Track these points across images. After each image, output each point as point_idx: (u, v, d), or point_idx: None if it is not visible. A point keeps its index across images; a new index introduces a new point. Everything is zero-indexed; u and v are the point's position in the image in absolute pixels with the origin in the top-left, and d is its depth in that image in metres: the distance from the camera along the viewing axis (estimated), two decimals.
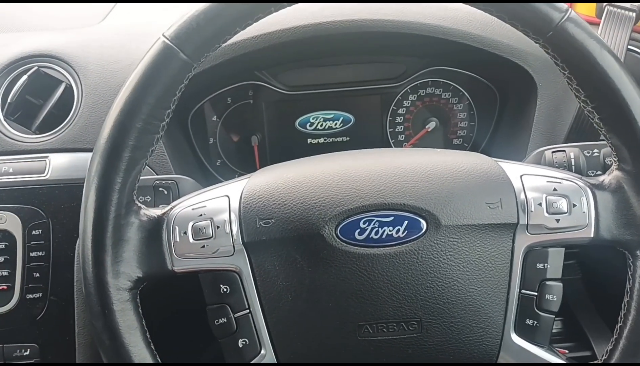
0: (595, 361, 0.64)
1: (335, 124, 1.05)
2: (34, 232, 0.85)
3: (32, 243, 0.85)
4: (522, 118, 0.95)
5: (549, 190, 0.63)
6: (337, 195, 0.62)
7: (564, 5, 0.58)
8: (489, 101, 1.04)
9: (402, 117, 1.05)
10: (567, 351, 0.96)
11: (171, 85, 0.59)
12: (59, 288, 0.85)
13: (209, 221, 0.62)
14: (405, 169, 0.63)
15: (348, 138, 1.06)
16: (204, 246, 0.62)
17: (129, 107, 0.58)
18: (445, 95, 1.04)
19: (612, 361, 0.61)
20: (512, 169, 0.65)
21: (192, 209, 0.63)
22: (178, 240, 0.62)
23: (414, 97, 1.04)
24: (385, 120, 1.05)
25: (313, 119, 1.04)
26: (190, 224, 0.62)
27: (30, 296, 0.85)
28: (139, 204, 0.62)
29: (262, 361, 0.63)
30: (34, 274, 0.85)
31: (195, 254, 0.62)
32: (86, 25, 1.00)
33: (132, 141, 0.58)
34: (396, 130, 1.05)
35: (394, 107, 1.04)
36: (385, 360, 0.63)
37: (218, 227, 0.62)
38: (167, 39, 0.58)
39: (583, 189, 0.63)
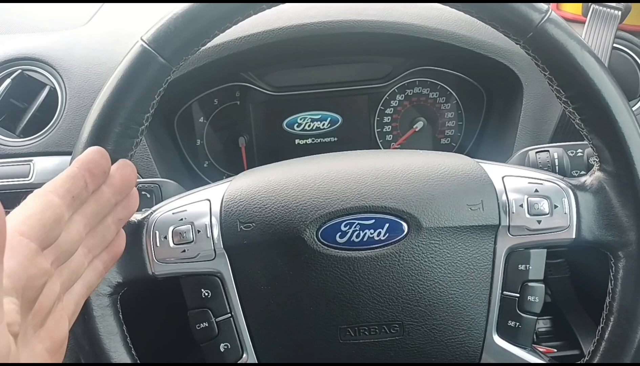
0: (577, 363, 0.64)
1: (323, 124, 1.04)
2: None
3: None
4: (509, 118, 0.95)
5: (530, 191, 0.63)
6: (318, 198, 0.62)
7: (544, 6, 0.58)
8: (476, 101, 1.04)
9: (389, 117, 1.05)
10: (555, 350, 0.96)
11: (150, 89, 0.59)
12: None
13: (190, 226, 0.62)
14: (386, 171, 0.63)
15: (336, 139, 1.05)
16: (184, 251, 0.62)
17: (106, 112, 0.58)
18: (432, 95, 1.04)
19: (594, 362, 0.61)
20: (494, 171, 0.64)
21: (173, 213, 0.63)
22: (158, 245, 0.62)
23: (402, 97, 1.04)
24: (373, 120, 1.04)
25: (300, 119, 1.04)
26: (171, 228, 0.62)
27: None
28: None
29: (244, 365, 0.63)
30: None
31: (176, 258, 0.62)
32: (70, 28, 0.99)
33: (110, 146, 0.58)
34: (384, 130, 1.05)
35: (382, 107, 1.04)
36: (368, 363, 0.63)
37: (199, 231, 0.62)
38: (145, 42, 0.58)
39: (564, 190, 0.63)
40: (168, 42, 0.58)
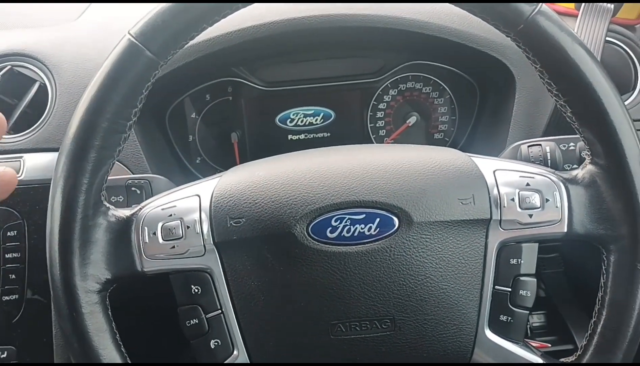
0: (569, 358, 0.63)
1: (316, 119, 1.04)
2: (9, 233, 0.84)
3: (7, 244, 0.83)
4: (502, 112, 0.95)
5: (522, 185, 0.62)
6: (308, 193, 0.61)
7: None
8: (470, 95, 1.04)
9: (382, 112, 1.04)
10: (549, 345, 0.96)
11: (137, 83, 0.58)
12: (35, 289, 0.84)
13: (179, 221, 0.62)
14: (377, 166, 0.63)
15: (329, 134, 1.05)
16: (174, 247, 0.61)
17: (94, 107, 0.57)
18: (425, 89, 1.04)
19: (586, 357, 0.61)
20: (485, 165, 0.64)
21: (162, 209, 0.63)
22: (147, 241, 0.61)
23: (394, 91, 1.03)
24: (366, 115, 1.04)
25: (293, 115, 1.03)
26: (160, 224, 0.62)
27: (7, 298, 0.84)
28: (107, 205, 0.61)
29: (235, 362, 0.63)
30: (10, 276, 0.84)
31: (165, 255, 0.61)
32: (60, 23, 0.98)
33: (98, 141, 0.57)
34: (377, 125, 1.05)
35: (375, 102, 1.03)
36: (359, 358, 0.63)
37: (188, 227, 0.61)
38: (132, 36, 0.57)
39: (556, 183, 0.62)
40: (155, 36, 0.57)
